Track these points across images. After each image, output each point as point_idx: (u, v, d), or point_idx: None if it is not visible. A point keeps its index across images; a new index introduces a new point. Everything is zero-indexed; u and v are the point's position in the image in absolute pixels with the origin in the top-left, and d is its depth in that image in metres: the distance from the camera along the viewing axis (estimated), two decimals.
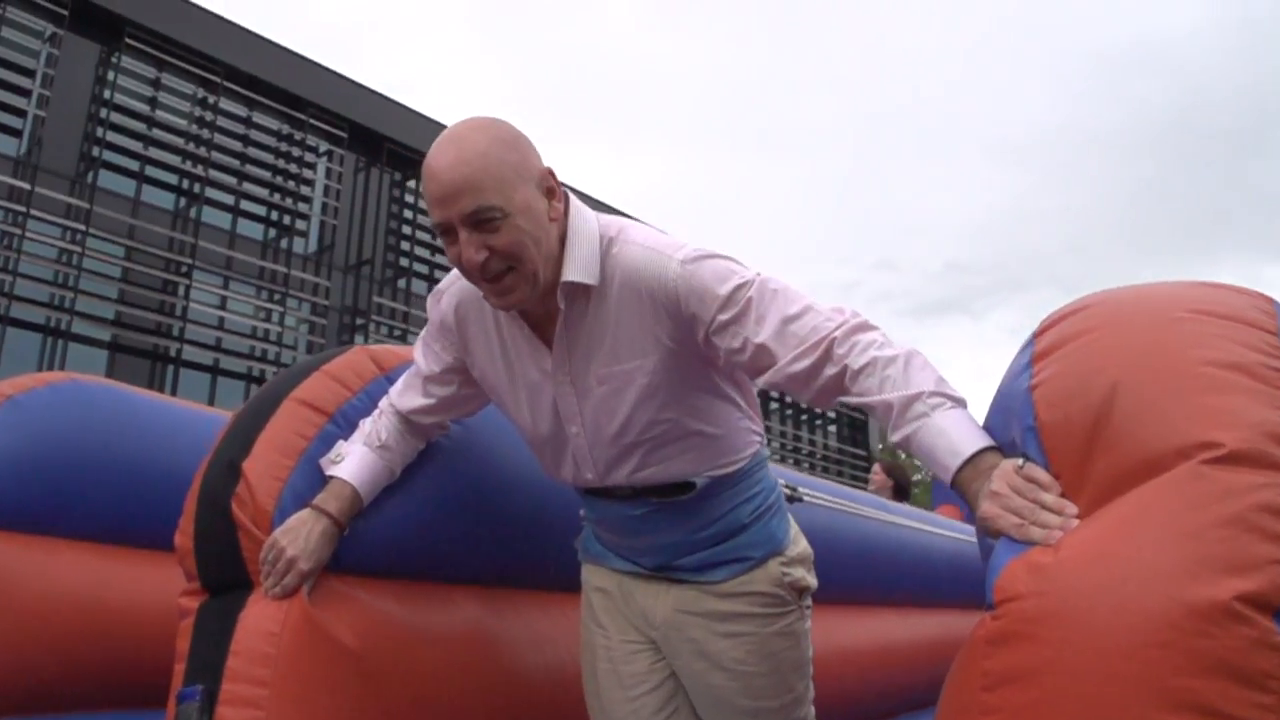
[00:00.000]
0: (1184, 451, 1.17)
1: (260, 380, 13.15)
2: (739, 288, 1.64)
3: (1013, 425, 1.40)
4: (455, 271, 1.78)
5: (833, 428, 24.57)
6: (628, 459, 1.82)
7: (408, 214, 15.96)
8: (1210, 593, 1.05)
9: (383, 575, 1.93)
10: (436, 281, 13.79)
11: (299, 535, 1.75)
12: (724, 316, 1.64)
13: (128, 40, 12.63)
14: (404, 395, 1.90)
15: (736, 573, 1.91)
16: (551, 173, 1.70)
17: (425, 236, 16.05)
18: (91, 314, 11.77)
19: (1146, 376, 1.27)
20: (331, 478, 1.83)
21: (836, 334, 1.58)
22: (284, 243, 14.32)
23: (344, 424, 1.91)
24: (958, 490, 1.43)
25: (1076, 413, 1.29)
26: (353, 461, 1.83)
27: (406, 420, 1.90)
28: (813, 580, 2.01)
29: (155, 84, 12.96)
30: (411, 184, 16.11)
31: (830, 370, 1.59)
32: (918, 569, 4.55)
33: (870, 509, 4.15)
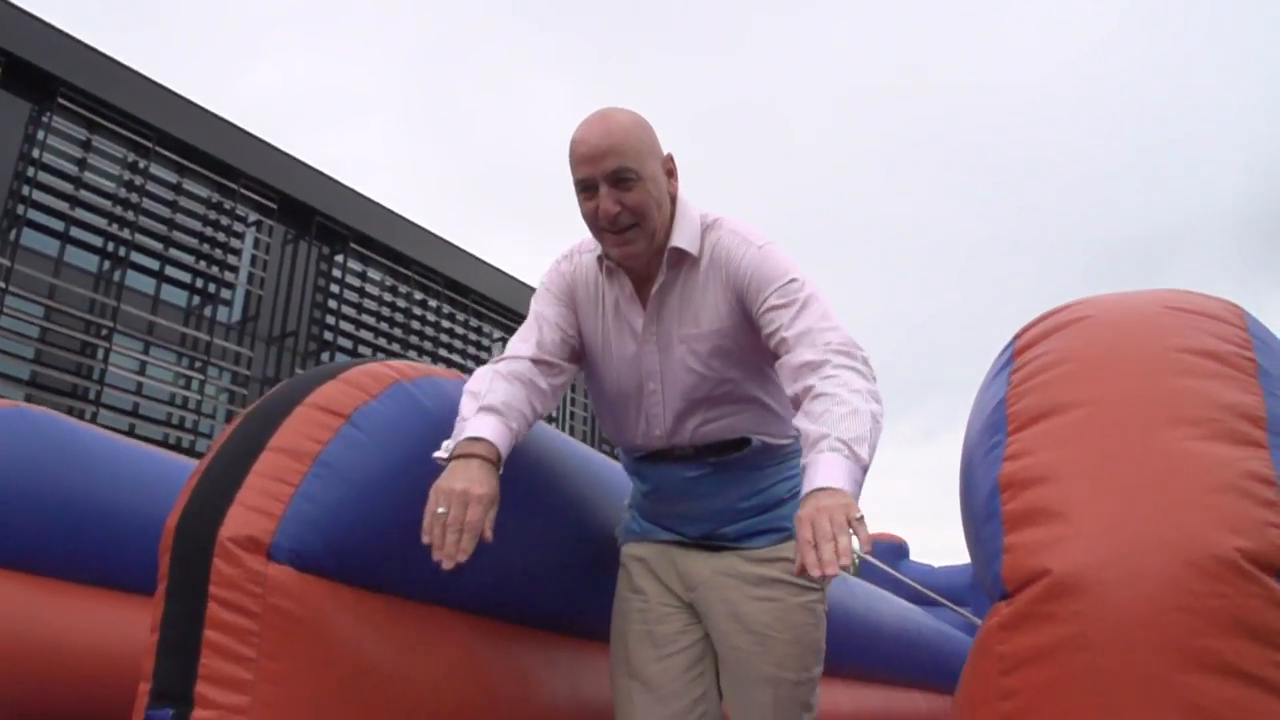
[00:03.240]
0: (1166, 427, 1.23)
1: (178, 449, 12.83)
2: (792, 283, 1.97)
3: (986, 415, 1.47)
4: (573, 245, 2.23)
5: None
6: (695, 413, 2.09)
7: (334, 288, 15.80)
8: (1214, 550, 1.10)
9: (373, 589, 1.87)
10: (359, 356, 13.57)
11: (457, 472, 1.76)
12: (772, 301, 1.96)
13: (60, 100, 12.47)
14: (523, 342, 2.12)
15: (774, 541, 2.11)
16: (671, 158, 2.09)
17: (350, 311, 15.91)
18: (6, 373, 11.42)
19: (1124, 358, 1.34)
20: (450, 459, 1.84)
21: (830, 359, 1.84)
22: (208, 311, 14.10)
23: (363, 426, 1.83)
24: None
25: (1052, 380, 1.36)
26: (469, 425, 1.87)
27: (521, 375, 2.02)
28: None
29: (86, 145, 12.76)
30: (339, 259, 16.00)
31: (807, 379, 1.85)
32: (871, 640, 4.57)
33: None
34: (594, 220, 2.01)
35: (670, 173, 2.08)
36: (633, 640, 2.15)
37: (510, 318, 18.53)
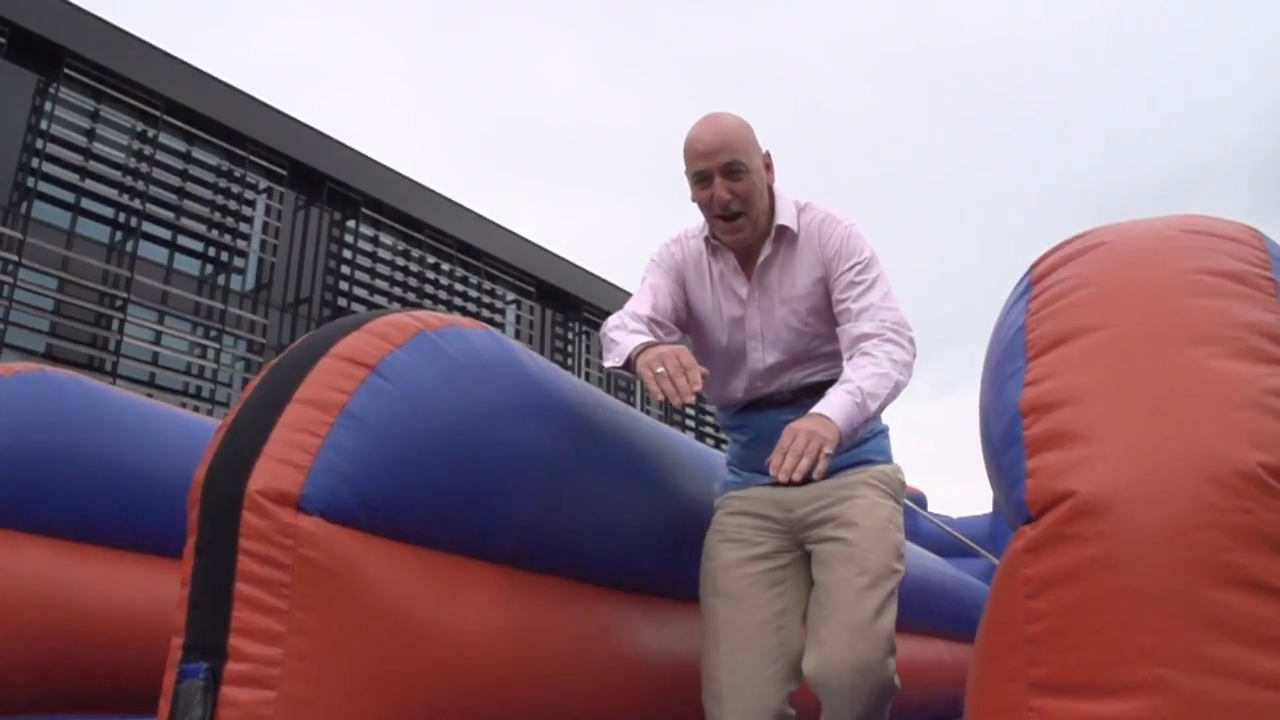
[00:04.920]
0: (1187, 346, 1.23)
1: None
2: (867, 262, 2.38)
3: (1006, 337, 1.47)
4: (680, 231, 2.59)
5: None
6: (794, 364, 2.47)
7: (346, 253, 15.81)
8: (1238, 466, 1.11)
9: (405, 540, 1.87)
10: None
11: (654, 349, 2.15)
12: (849, 276, 2.36)
13: (66, 71, 12.45)
14: (640, 305, 2.45)
15: (859, 471, 2.40)
16: (769, 154, 2.44)
17: (364, 276, 15.93)
18: (22, 346, 11.48)
19: (1143, 280, 1.34)
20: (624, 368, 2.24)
21: (883, 332, 2.29)
22: (221, 279, 14.13)
23: (390, 376, 1.82)
24: None
25: (1070, 305, 1.36)
26: (628, 340, 2.26)
27: (643, 320, 2.37)
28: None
29: (94, 116, 12.77)
30: (351, 223, 15.99)
31: (862, 345, 2.29)
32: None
33: None
34: (708, 207, 2.38)
35: (768, 166, 2.44)
36: (721, 562, 2.41)
37: (524, 280, 18.53)
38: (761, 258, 2.43)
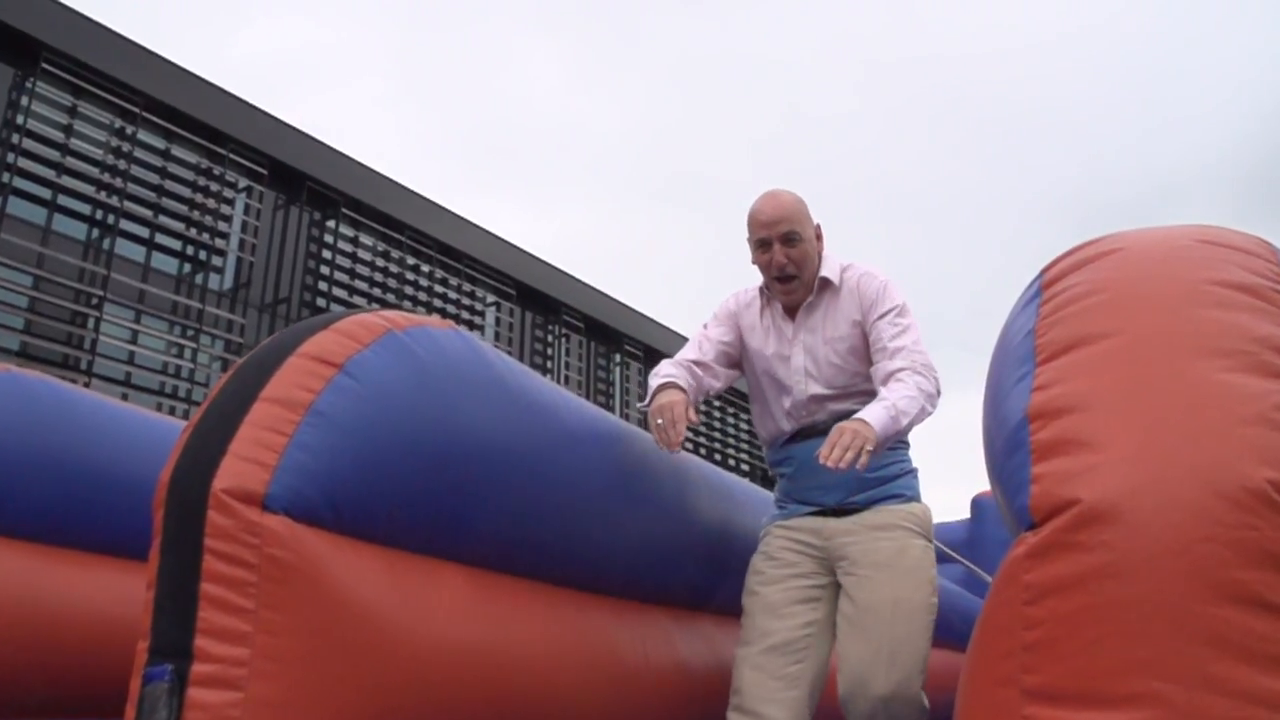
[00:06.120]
0: (1198, 358, 1.21)
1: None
2: (901, 310, 2.77)
3: (1015, 341, 1.46)
4: (741, 288, 3.04)
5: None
6: (833, 398, 2.83)
7: (326, 254, 15.72)
8: (1245, 481, 1.09)
9: (372, 540, 1.84)
10: None
11: (659, 397, 2.61)
12: (884, 320, 2.75)
13: (44, 65, 12.34)
14: (689, 350, 2.90)
15: (894, 505, 2.73)
16: (819, 226, 2.88)
17: (343, 277, 15.84)
18: None
19: (1156, 289, 1.33)
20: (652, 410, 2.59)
21: (913, 366, 2.63)
22: (199, 278, 14.02)
23: (357, 375, 1.78)
24: None
25: (1082, 311, 1.35)
26: (656, 382, 2.69)
27: (685, 365, 2.81)
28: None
29: (71, 111, 12.64)
30: (331, 224, 15.90)
31: (894, 374, 2.62)
32: None
33: None
34: (768, 269, 2.84)
35: (819, 236, 2.88)
36: (762, 578, 2.74)
37: (504, 281, 18.48)
38: (805, 304, 2.85)
